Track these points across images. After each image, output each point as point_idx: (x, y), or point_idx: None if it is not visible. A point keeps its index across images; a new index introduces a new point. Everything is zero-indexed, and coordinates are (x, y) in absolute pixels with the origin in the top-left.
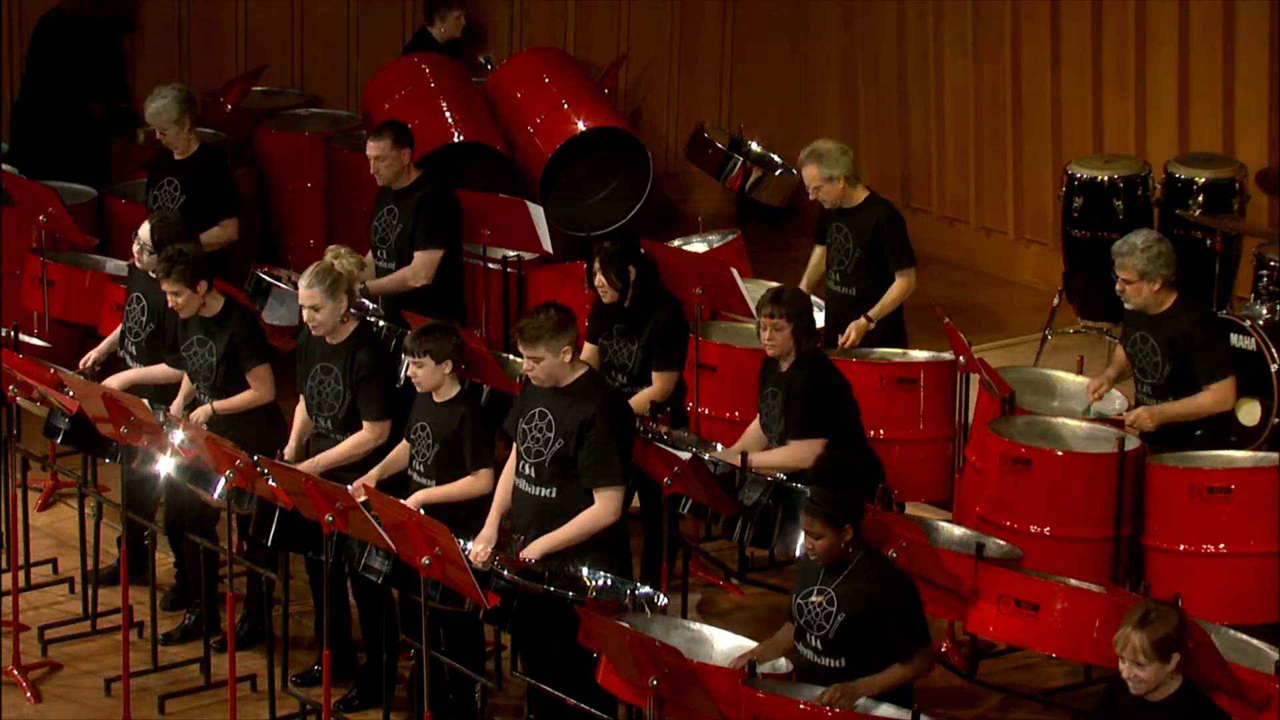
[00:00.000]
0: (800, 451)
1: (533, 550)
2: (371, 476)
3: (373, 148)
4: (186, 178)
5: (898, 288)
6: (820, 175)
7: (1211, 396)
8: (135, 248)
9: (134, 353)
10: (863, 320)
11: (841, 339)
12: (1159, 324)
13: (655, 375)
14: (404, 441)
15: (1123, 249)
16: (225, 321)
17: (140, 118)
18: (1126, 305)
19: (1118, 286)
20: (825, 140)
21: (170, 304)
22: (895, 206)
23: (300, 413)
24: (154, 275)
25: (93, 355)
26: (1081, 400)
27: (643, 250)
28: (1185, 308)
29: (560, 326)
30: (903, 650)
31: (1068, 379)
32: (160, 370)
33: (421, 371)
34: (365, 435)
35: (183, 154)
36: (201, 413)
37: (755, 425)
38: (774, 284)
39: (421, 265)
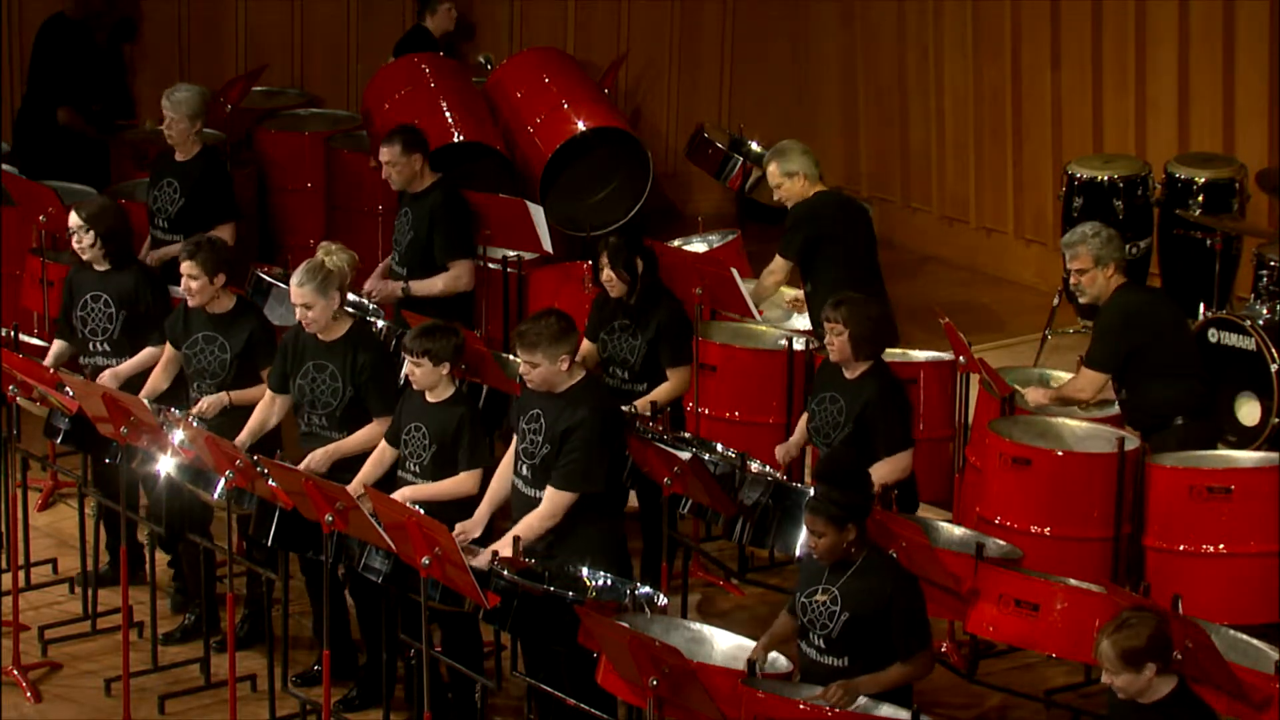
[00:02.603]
0: (902, 464)
1: (503, 545)
2: (366, 478)
3: (384, 153)
4: (186, 180)
5: (770, 270)
6: (780, 171)
7: (1072, 382)
8: (73, 238)
9: (107, 349)
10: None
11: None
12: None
13: (671, 372)
14: (383, 443)
15: (1074, 239)
16: (241, 319)
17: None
18: (1082, 299)
19: (1071, 280)
20: (788, 140)
21: (184, 286)
22: (821, 199)
23: (263, 407)
24: (99, 266)
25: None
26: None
27: (645, 245)
28: (1119, 290)
29: (560, 335)
30: (905, 650)
31: (1067, 379)
32: (150, 353)
33: (419, 371)
34: (379, 429)
35: (184, 155)
36: (217, 402)
37: (801, 425)
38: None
39: (463, 271)
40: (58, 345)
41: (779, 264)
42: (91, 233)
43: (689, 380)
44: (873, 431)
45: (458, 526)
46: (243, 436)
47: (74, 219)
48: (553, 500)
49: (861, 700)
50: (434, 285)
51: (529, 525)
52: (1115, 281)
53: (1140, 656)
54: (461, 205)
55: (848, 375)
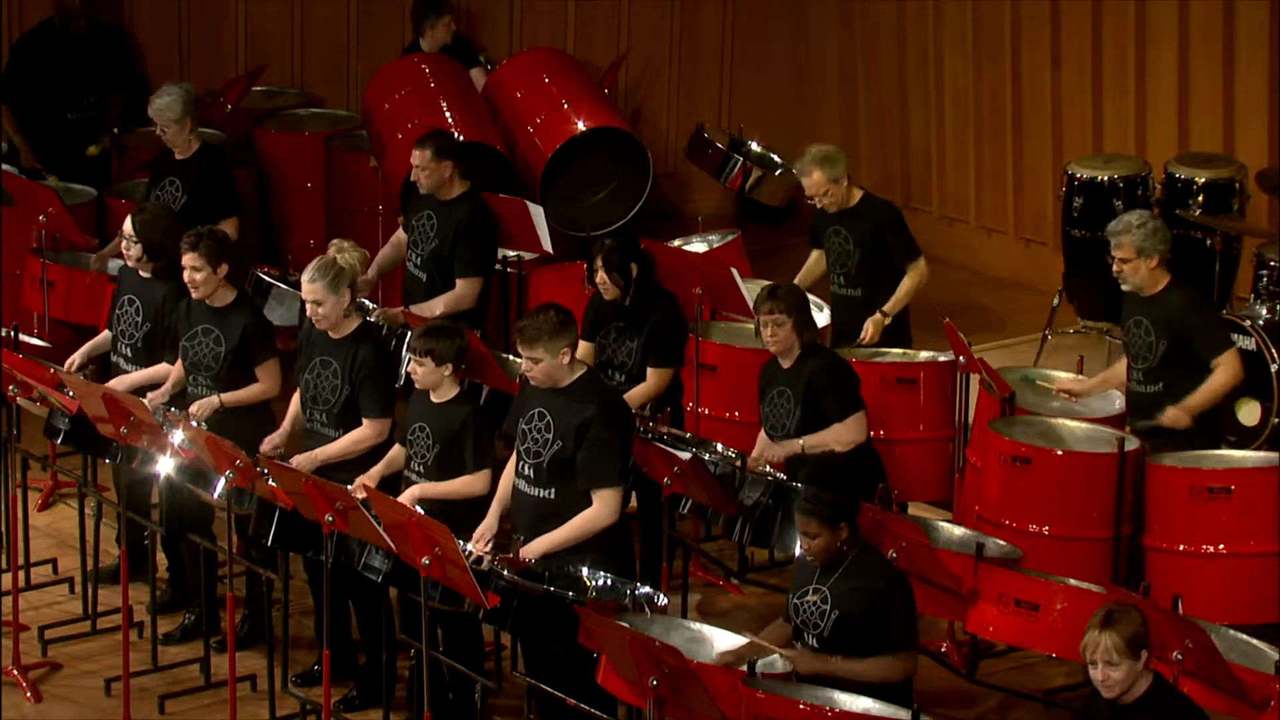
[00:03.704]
0: (857, 425)
1: (531, 550)
2: (373, 475)
3: (415, 156)
4: (188, 178)
5: (909, 280)
6: (828, 178)
7: (1224, 372)
8: (123, 244)
9: (129, 355)
10: (879, 316)
11: (860, 337)
12: (1152, 305)
13: (651, 372)
14: (397, 445)
15: (1118, 227)
16: (237, 312)
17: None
18: (1124, 286)
19: (1115, 267)
20: (821, 144)
21: (187, 279)
22: (892, 202)
23: (295, 404)
24: (144, 273)
25: (77, 359)
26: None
27: (642, 248)
28: (1178, 288)
29: (559, 328)
30: (887, 644)
31: (1068, 379)
32: (162, 369)
33: (421, 370)
34: (366, 432)
35: (184, 154)
36: (207, 405)
37: (762, 435)
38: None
39: (469, 291)
40: (104, 335)
41: (921, 263)
42: (139, 245)
43: (665, 384)
44: (821, 400)
45: (471, 546)
46: (285, 427)
47: (127, 225)
48: (606, 500)
49: (864, 702)
50: (434, 308)
51: (574, 534)
52: (1160, 275)
53: (1140, 643)
54: (488, 221)
55: (786, 365)
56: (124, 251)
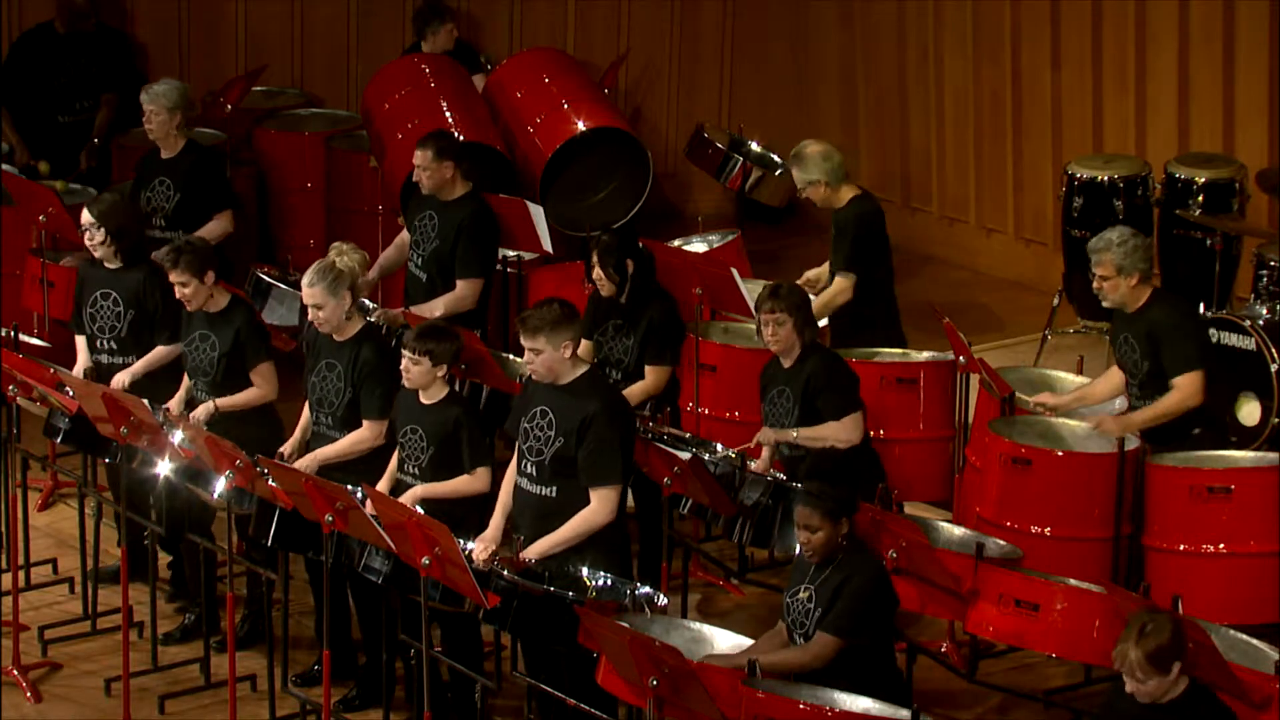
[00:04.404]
0: (854, 424)
1: (531, 552)
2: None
3: (416, 157)
4: (177, 175)
5: (829, 290)
6: (801, 179)
7: (1176, 395)
8: (85, 236)
9: (113, 348)
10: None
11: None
12: (1135, 321)
13: (648, 369)
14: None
15: (1099, 245)
16: (230, 317)
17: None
18: (1105, 303)
19: (1095, 284)
20: (811, 142)
21: (178, 295)
22: (869, 208)
23: (307, 410)
24: (111, 264)
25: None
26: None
27: (641, 245)
28: (1159, 301)
29: (562, 320)
30: (826, 626)
31: (1068, 379)
32: (161, 352)
33: (416, 370)
34: (364, 434)
35: (170, 152)
36: (204, 410)
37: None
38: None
39: (470, 292)
40: (82, 341)
41: (848, 282)
42: (102, 230)
43: (663, 382)
44: (818, 399)
45: (475, 550)
46: (296, 436)
47: (85, 216)
48: (605, 499)
49: (864, 702)
50: (434, 308)
51: (573, 533)
52: (1141, 291)
53: (1169, 657)
54: (490, 222)
55: (786, 364)
56: (87, 243)
